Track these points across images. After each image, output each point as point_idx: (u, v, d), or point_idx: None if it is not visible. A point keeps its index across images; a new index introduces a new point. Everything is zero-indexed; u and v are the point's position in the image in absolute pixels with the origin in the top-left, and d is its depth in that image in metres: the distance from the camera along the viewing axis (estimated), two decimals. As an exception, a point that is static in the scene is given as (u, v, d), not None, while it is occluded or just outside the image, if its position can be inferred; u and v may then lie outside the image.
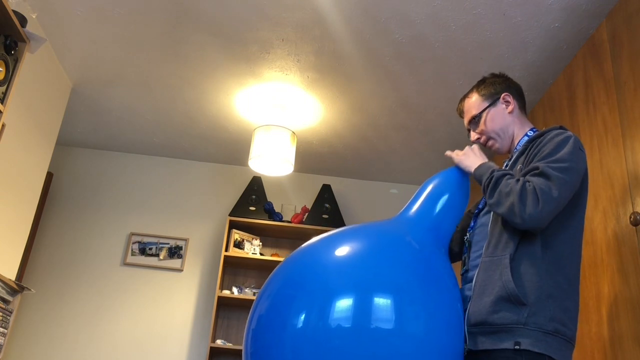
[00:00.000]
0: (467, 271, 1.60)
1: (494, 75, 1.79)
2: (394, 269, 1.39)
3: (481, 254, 1.54)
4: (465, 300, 1.56)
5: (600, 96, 2.18)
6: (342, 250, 1.42)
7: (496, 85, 1.75)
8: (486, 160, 1.64)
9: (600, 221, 2.07)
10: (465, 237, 1.67)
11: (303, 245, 1.54)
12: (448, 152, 1.74)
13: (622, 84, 2.03)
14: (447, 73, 2.95)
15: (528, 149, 1.58)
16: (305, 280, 1.38)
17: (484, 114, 1.72)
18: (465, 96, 1.81)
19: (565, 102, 2.47)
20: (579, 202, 1.51)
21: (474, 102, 1.76)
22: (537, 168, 1.46)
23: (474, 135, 1.77)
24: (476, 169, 1.61)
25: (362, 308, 1.30)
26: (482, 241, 1.56)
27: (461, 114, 1.82)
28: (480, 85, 1.78)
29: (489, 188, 1.52)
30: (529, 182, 1.44)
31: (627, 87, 1.99)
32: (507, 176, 1.50)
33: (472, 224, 1.67)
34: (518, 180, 1.47)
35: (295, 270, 1.44)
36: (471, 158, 1.65)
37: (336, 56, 2.90)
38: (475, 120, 1.75)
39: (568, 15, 2.46)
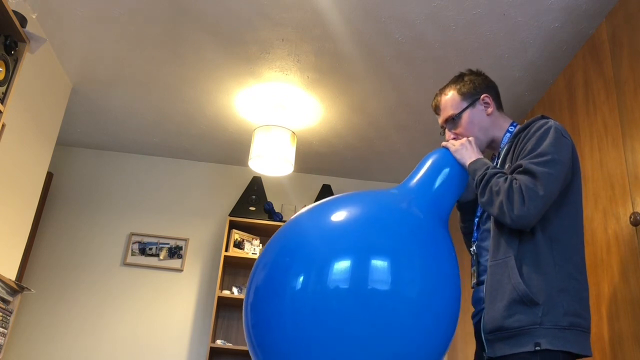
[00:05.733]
0: (477, 279, 1.59)
1: (471, 73, 1.73)
2: (392, 233, 1.41)
3: (488, 258, 1.52)
4: (479, 301, 1.56)
5: (600, 96, 2.18)
6: (340, 216, 1.44)
7: (475, 85, 1.69)
8: (481, 155, 1.60)
9: (600, 221, 2.06)
10: (472, 249, 1.65)
11: (298, 213, 1.55)
12: (444, 143, 1.68)
13: (622, 84, 2.03)
14: (447, 73, 2.95)
15: (513, 146, 1.57)
16: (302, 246, 1.40)
17: (463, 115, 1.67)
18: (442, 92, 1.73)
19: (565, 102, 2.47)
20: (572, 189, 1.50)
21: (451, 100, 1.70)
22: (520, 166, 1.45)
23: (449, 135, 1.71)
24: (471, 163, 1.57)
25: (360, 270, 1.32)
26: (488, 246, 1.55)
27: (436, 110, 1.75)
28: (459, 82, 1.71)
29: (481, 185, 1.50)
30: (516, 180, 1.43)
31: (627, 87, 1.99)
32: (499, 174, 1.49)
33: (475, 234, 1.66)
34: (507, 178, 1.46)
35: (291, 238, 1.45)
36: (467, 151, 1.60)
37: (336, 56, 2.90)
38: (452, 120, 1.69)
39: (568, 15, 2.46)
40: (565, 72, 2.51)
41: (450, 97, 1.70)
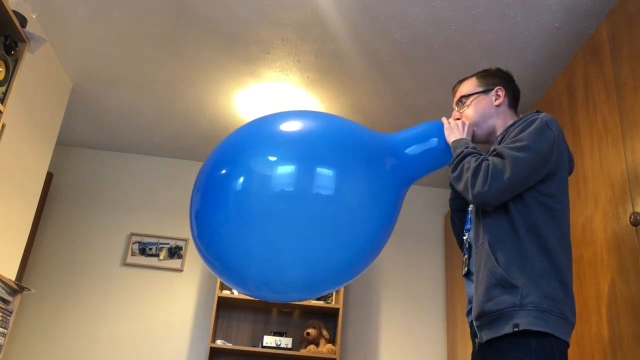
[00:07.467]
0: (468, 271, 1.61)
1: (499, 70, 1.81)
2: (345, 149, 1.50)
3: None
4: (470, 299, 1.58)
5: (600, 96, 2.18)
6: (296, 125, 1.54)
7: (496, 78, 1.77)
8: (468, 138, 1.66)
9: (600, 221, 2.06)
10: (465, 238, 1.67)
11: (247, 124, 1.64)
12: (444, 118, 1.75)
13: (622, 84, 2.03)
14: (447, 73, 2.95)
15: (502, 136, 1.62)
16: (244, 150, 1.48)
17: (472, 97, 1.74)
18: (465, 78, 1.82)
19: (565, 102, 2.47)
20: (555, 181, 1.50)
21: (468, 83, 1.78)
22: (494, 150, 1.50)
23: (455, 114, 1.77)
24: (454, 141, 1.63)
25: (305, 175, 1.42)
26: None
27: (454, 92, 1.84)
28: (483, 72, 1.80)
29: (456, 161, 1.56)
30: (487, 160, 1.48)
31: (627, 87, 1.99)
32: (475, 154, 1.53)
33: (468, 223, 1.68)
34: (478, 158, 1.50)
35: (239, 137, 1.55)
36: (457, 130, 1.67)
37: (336, 56, 2.90)
38: (462, 100, 1.76)
39: (568, 15, 2.46)
40: (565, 72, 2.51)
41: (469, 81, 1.79)
